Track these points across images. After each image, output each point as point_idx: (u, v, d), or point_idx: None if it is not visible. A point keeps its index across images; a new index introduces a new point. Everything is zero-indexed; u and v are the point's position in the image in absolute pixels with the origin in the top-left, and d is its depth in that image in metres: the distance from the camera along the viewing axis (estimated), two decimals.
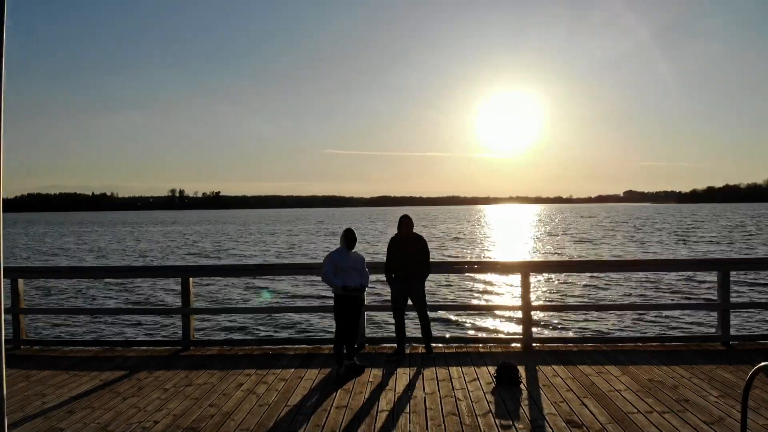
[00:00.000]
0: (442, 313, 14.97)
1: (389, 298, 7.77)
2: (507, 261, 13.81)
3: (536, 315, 13.75)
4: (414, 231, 7.71)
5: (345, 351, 7.00)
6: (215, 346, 8.50)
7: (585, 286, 21.32)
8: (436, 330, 12.96)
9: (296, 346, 8.33)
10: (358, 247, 7.39)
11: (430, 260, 7.73)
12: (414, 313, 7.74)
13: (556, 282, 22.24)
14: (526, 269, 8.29)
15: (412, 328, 8.13)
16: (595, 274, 22.46)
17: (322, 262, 7.06)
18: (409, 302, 7.62)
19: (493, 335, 12.42)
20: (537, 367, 7.01)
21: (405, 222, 7.65)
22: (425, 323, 7.62)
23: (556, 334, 13.17)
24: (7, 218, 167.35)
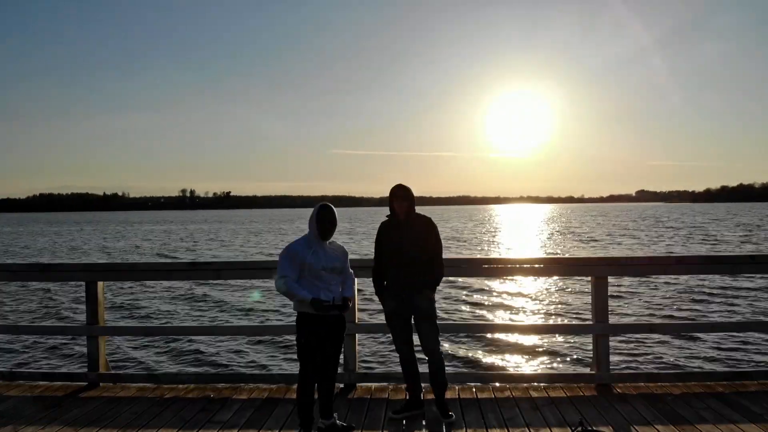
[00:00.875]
0: (465, 337, 10.80)
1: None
2: (568, 258, 8.83)
3: (615, 338, 9.77)
4: (418, 212, 4.64)
5: (317, 405, 4.29)
6: (134, 383, 5.75)
7: (668, 296, 15.43)
8: (461, 361, 9.63)
9: (252, 385, 5.54)
10: (349, 240, 4.48)
11: (444, 257, 4.70)
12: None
13: (629, 288, 16.42)
14: (600, 270, 5.46)
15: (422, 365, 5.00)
16: (684, 281, 16.96)
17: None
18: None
19: (551, 369, 8.94)
20: (632, 429, 4.26)
21: (400, 195, 4.50)
22: (436, 363, 4.60)
23: (643, 365, 9.07)
24: (11, 218, 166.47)
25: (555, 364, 9.50)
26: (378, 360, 9.63)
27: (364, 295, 15.30)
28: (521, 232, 58.07)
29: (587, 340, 9.62)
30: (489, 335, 10.91)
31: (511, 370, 8.99)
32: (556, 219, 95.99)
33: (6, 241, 52.50)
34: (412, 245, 4.50)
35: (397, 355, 4.76)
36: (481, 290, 16.81)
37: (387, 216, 4.68)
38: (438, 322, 4.67)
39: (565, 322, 12.49)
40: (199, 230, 67.29)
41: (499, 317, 13.67)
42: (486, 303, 15.40)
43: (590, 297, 5.55)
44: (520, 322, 12.59)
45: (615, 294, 15.10)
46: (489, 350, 10.38)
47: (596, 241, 40.98)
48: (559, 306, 14.57)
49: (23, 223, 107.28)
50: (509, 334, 10.84)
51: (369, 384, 5.45)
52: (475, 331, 10.43)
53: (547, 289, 17.43)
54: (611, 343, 5.60)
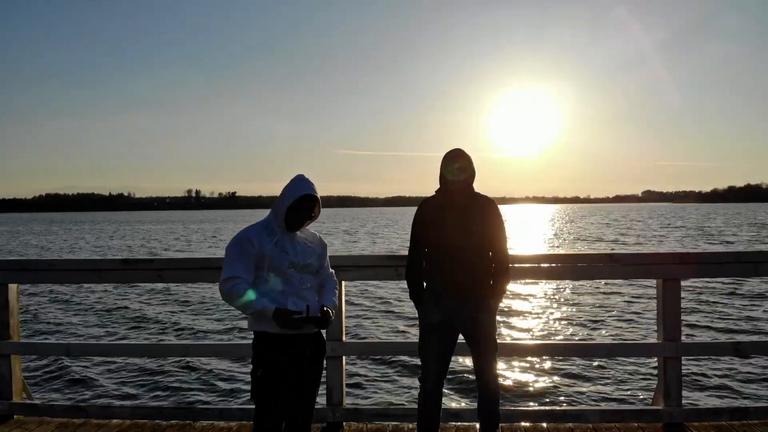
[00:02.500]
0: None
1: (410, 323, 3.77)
2: (625, 253, 4.67)
3: (689, 362, 7.72)
4: (477, 191, 3.34)
5: None
6: (55, 416, 4.41)
7: (756, 304, 12.26)
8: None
9: (205, 422, 4.17)
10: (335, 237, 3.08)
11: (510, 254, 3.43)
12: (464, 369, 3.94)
13: (704, 294, 13.30)
14: (672, 270, 4.06)
15: (453, 397, 3.81)
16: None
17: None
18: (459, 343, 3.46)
19: (602, 403, 6.89)
20: None
21: (457, 163, 3.21)
22: (492, 393, 3.35)
23: (727, 398, 7.01)
24: (17, 218, 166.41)
25: (607, 397, 7.25)
26: (372, 391, 7.44)
27: (350, 301, 12.63)
28: (537, 231, 54.58)
29: (651, 364, 7.52)
30: (516, 358, 8.10)
31: (548, 406, 6.94)
32: (564, 219, 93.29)
33: None
34: (472, 234, 3.21)
35: (414, 384, 3.50)
36: (518, 296, 13.66)
37: (435, 192, 3.36)
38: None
39: (620, 339, 9.58)
40: (198, 230, 65.26)
41: (529, 333, 10.68)
42: (510, 314, 12.11)
43: (655, 306, 4.18)
44: (556, 340, 9.85)
45: (685, 301, 10.93)
46: (517, 378, 7.81)
47: (610, 241, 39.18)
48: (610, 317, 11.52)
49: (22, 223, 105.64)
50: (543, 357, 8.13)
51: (360, 424, 4.07)
52: (499, 353, 7.09)
53: (590, 293, 14.20)
54: (683, 368, 4.20)
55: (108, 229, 69.52)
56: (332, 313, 2.97)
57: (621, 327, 10.92)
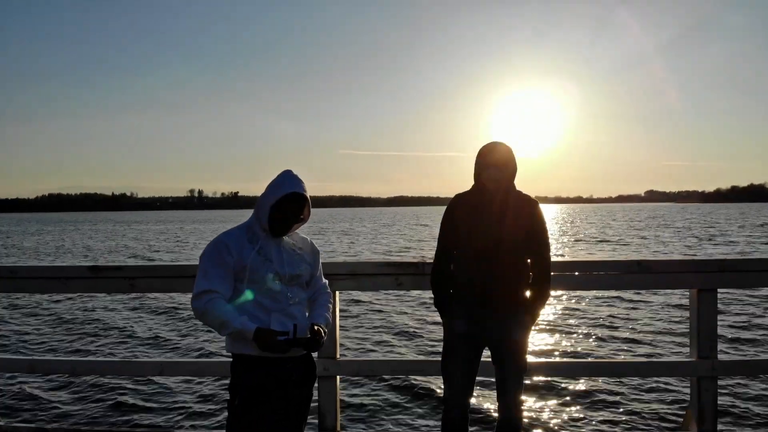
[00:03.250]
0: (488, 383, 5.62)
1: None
2: (653, 261, 4.51)
3: (725, 383, 6.67)
4: (517, 188, 2.96)
5: None
6: None
7: None
8: (484, 415, 5.97)
9: None
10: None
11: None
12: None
13: (739, 305, 11.91)
14: (707, 279, 3.60)
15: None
16: None
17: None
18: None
19: (626, 430, 5.92)
20: None
21: (497, 158, 2.83)
22: (512, 425, 2.90)
23: (758, 425, 5.94)
24: (20, 218, 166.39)
25: (632, 422, 6.24)
26: (370, 415, 6.35)
27: (346, 313, 11.30)
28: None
29: (682, 385, 6.66)
30: (531, 379, 6.40)
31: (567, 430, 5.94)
32: (572, 218, 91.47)
33: None
34: (508, 238, 2.81)
35: (418, 407, 3.28)
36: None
37: (470, 188, 3.00)
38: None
39: (646, 357, 8.25)
40: (195, 230, 63.96)
41: (544, 351, 9.26)
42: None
43: (686, 318, 3.72)
44: (575, 359, 8.44)
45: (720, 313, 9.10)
46: (533, 402, 6.64)
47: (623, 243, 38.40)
48: (634, 332, 10.09)
49: (14, 224, 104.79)
50: (559, 378, 6.90)
51: None
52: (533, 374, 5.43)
53: (609, 304, 12.67)
54: (719, 389, 3.75)
55: (104, 229, 68.48)
56: (324, 332, 2.55)
57: (648, 343, 9.53)
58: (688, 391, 4.64)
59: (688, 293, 3.71)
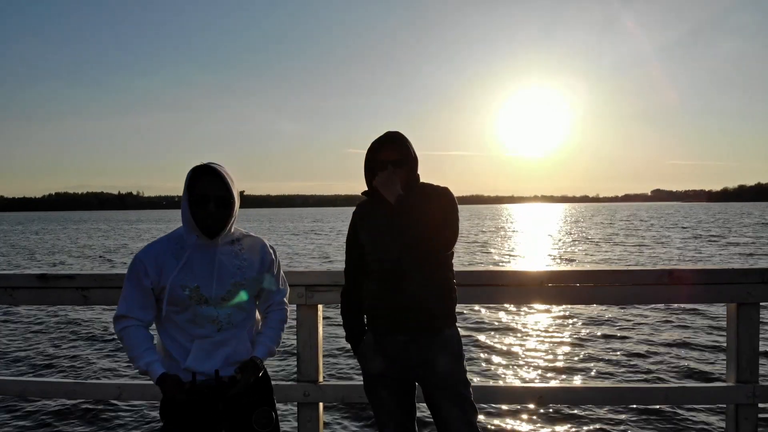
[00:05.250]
0: (491, 408, 5.76)
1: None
2: (682, 269, 3.19)
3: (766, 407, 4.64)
4: (424, 181, 2.39)
5: None
6: None
7: None
8: None
9: None
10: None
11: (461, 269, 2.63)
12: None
13: None
14: (747, 291, 3.11)
15: None
16: None
17: None
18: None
19: None
20: None
21: (387, 155, 2.28)
22: None
23: None
24: (25, 217, 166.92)
25: None
26: None
27: (330, 331, 9.59)
28: (563, 233, 46.83)
29: (717, 413, 5.88)
30: (530, 405, 5.64)
31: None
32: (581, 218, 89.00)
33: None
34: (412, 241, 2.23)
35: None
36: (509, 327, 10.37)
37: (363, 194, 2.43)
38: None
39: (670, 382, 7.18)
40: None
41: (560, 375, 7.87)
42: (529, 350, 9.02)
43: (725, 338, 3.25)
44: (593, 383, 7.13)
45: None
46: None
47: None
48: (662, 352, 8.82)
49: (22, 222, 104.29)
50: (571, 405, 5.80)
51: None
52: (508, 399, 4.49)
53: (630, 319, 11.13)
54: (760, 419, 3.26)
55: (102, 228, 67.48)
56: (261, 365, 2.15)
57: (674, 365, 8.60)
58: (722, 421, 4.05)
59: (724, 307, 3.22)
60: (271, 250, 2.26)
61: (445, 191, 2.35)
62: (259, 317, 2.30)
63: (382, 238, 2.30)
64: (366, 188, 2.40)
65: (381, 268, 2.30)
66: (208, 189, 2.06)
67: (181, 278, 2.05)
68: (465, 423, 2.31)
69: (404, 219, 2.21)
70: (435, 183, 2.40)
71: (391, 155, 2.30)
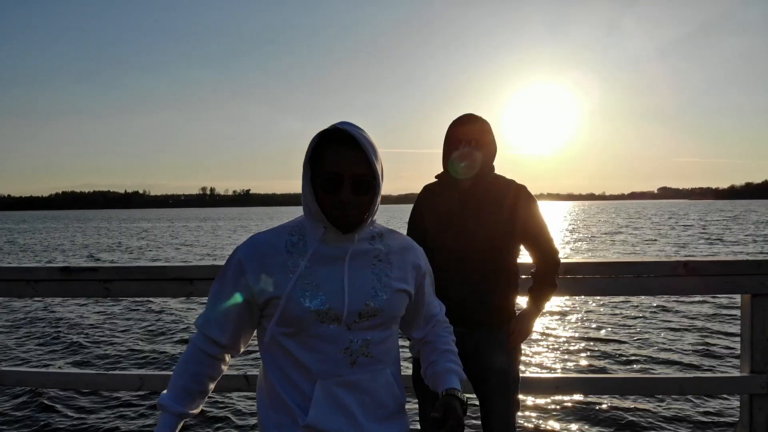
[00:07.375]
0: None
1: None
2: (694, 260, 3.13)
3: None
4: (498, 173, 2.32)
5: None
6: None
7: None
8: None
9: None
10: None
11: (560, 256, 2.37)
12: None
13: None
14: (762, 281, 3.13)
15: None
16: None
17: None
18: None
19: None
20: None
21: (468, 132, 2.16)
22: None
23: None
24: (31, 215, 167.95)
25: None
26: None
27: None
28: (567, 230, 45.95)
29: (731, 404, 5.76)
30: (546, 394, 5.44)
31: None
32: (588, 216, 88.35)
33: None
34: (480, 235, 2.18)
35: None
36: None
37: (437, 176, 2.36)
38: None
39: (684, 372, 7.16)
40: (198, 227, 62.62)
41: (574, 365, 7.74)
42: (540, 343, 8.77)
43: (735, 327, 3.24)
44: (603, 374, 7.06)
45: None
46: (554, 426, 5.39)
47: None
48: (674, 342, 8.67)
49: (27, 221, 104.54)
50: (587, 394, 5.56)
51: None
52: (524, 389, 3.10)
53: (641, 309, 11.26)
54: None
55: (104, 227, 67.06)
56: (464, 407, 1.40)
57: (687, 355, 8.56)
58: (736, 410, 4.01)
59: (738, 297, 3.24)
60: (423, 253, 1.64)
61: (523, 187, 2.30)
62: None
63: (449, 224, 2.21)
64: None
65: (444, 255, 2.17)
66: (341, 165, 1.39)
67: (301, 287, 1.40)
68: (511, 419, 2.30)
69: (473, 208, 2.18)
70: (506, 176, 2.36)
71: (470, 132, 2.20)
